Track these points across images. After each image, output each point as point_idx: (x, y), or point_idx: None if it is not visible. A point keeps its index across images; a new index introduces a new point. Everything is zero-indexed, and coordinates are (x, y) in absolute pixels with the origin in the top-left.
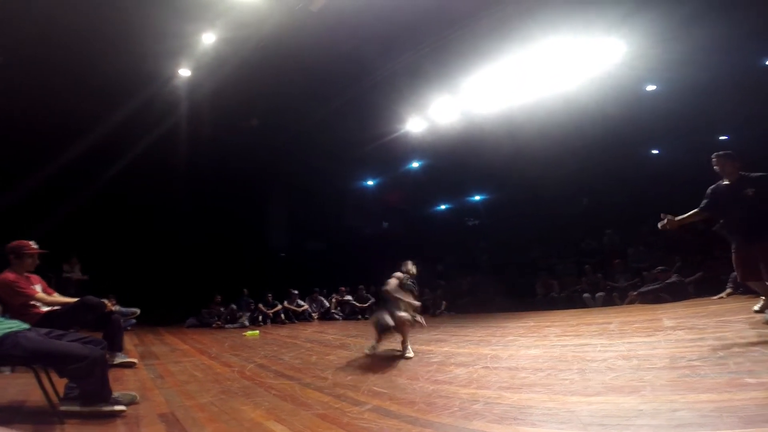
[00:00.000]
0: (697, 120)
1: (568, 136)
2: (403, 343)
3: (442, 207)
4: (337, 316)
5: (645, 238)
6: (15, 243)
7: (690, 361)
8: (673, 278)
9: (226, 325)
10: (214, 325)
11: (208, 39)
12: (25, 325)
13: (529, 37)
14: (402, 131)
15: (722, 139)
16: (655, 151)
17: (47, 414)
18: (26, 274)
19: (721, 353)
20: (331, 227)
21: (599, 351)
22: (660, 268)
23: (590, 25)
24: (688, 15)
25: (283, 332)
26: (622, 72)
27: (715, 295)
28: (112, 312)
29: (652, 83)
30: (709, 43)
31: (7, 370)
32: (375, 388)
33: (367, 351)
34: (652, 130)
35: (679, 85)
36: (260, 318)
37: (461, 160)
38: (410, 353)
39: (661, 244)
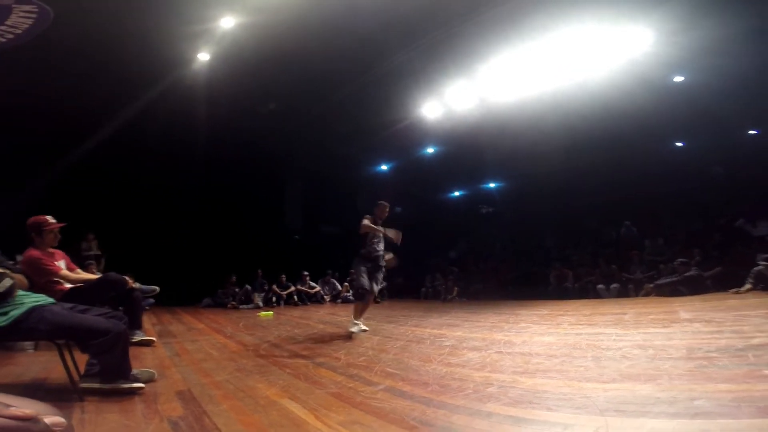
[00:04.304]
0: (725, 113)
1: (588, 126)
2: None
3: (456, 193)
4: (351, 298)
5: (663, 231)
6: (33, 219)
7: (708, 352)
8: (692, 271)
9: (241, 306)
10: (229, 306)
11: (227, 23)
12: (51, 299)
13: (551, 25)
14: (418, 117)
15: (752, 134)
16: (679, 144)
17: (68, 391)
18: (50, 250)
19: (739, 345)
20: (345, 211)
21: (614, 340)
22: (680, 260)
23: (616, 12)
24: (720, 1)
25: (296, 313)
26: (648, 61)
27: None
28: (132, 289)
29: (680, 74)
30: (741, 31)
31: (30, 348)
32: (388, 369)
33: (355, 330)
34: (677, 121)
35: (708, 75)
36: (274, 299)
37: (477, 147)
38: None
39: (680, 237)
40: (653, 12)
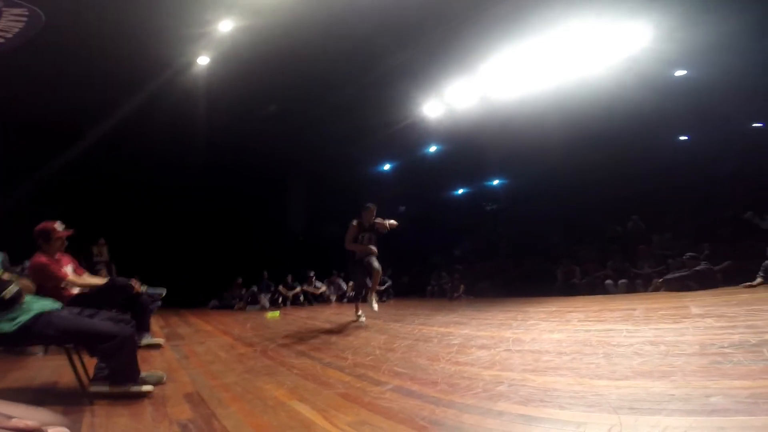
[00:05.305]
0: (728, 107)
1: (591, 122)
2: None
3: (460, 191)
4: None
5: (671, 225)
6: (42, 226)
7: (721, 348)
8: (702, 266)
9: (248, 307)
10: (236, 307)
11: (225, 27)
12: (58, 305)
13: (551, 20)
14: (419, 116)
15: (756, 126)
16: (683, 138)
17: (77, 395)
18: (57, 255)
19: (753, 341)
20: (348, 212)
21: (625, 336)
22: (689, 254)
23: (616, 7)
24: None
25: (303, 314)
26: (649, 56)
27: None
28: (139, 293)
29: (682, 68)
30: (743, 26)
31: (40, 352)
32: (395, 369)
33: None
34: (680, 116)
35: (710, 70)
36: (280, 299)
37: (480, 145)
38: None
39: (688, 231)
40: (653, 8)
